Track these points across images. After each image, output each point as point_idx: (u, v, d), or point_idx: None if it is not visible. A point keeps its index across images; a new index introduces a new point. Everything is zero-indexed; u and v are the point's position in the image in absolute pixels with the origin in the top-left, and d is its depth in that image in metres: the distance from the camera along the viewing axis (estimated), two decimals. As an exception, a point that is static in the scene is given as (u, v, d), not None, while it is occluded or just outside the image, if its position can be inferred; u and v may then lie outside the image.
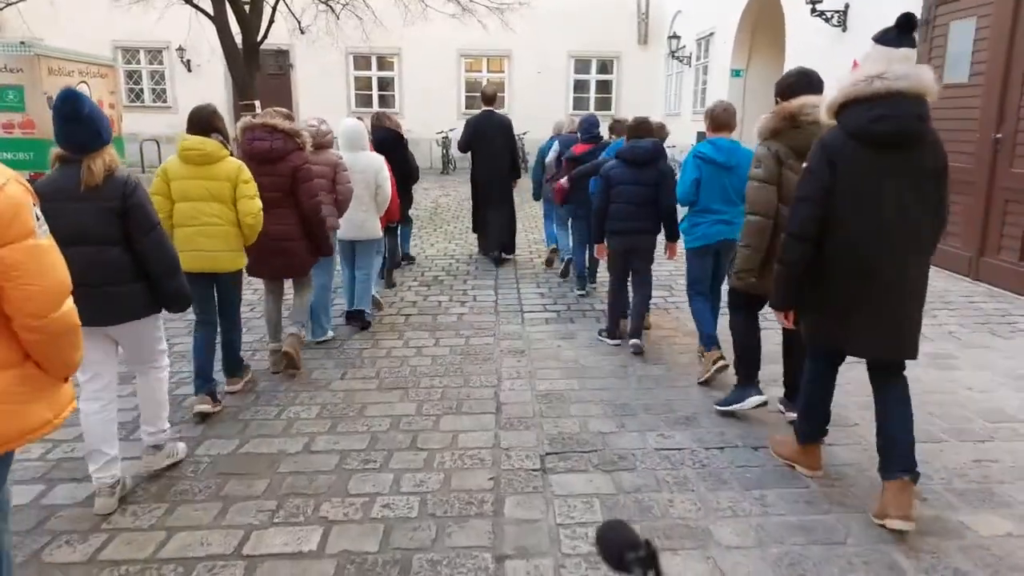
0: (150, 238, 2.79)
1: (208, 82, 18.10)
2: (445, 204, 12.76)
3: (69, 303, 1.75)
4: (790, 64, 11.33)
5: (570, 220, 6.77)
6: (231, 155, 3.69)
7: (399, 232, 7.24)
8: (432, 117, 18.46)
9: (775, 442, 3.34)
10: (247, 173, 3.69)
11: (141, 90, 18.98)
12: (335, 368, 4.63)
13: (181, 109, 18.73)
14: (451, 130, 18.21)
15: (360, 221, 5.27)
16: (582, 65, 19.55)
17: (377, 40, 18.10)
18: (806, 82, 3.26)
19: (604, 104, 19.34)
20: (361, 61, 19.29)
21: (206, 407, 3.75)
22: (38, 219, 1.66)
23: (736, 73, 13.87)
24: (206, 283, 3.75)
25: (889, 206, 2.52)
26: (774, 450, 3.30)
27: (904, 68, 2.44)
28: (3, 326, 1.66)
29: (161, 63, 18.86)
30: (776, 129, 3.24)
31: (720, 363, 4.11)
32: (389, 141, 6.50)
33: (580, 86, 19.67)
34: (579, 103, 19.33)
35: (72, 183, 2.63)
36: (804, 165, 2.69)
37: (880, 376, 2.79)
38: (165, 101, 18.99)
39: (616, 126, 6.46)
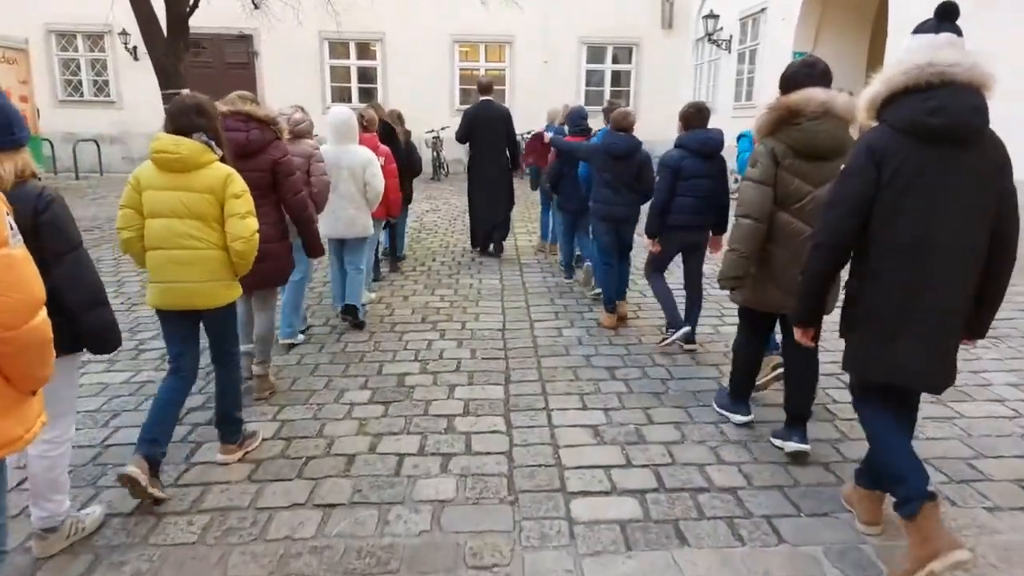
0: (65, 263, 2.20)
1: (157, 72, 14.85)
2: (432, 224, 9.55)
3: (41, 315, 1.60)
4: (891, 42, 8.27)
5: (559, 212, 6.43)
6: (221, 160, 2.83)
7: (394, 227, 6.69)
8: (421, 114, 15.04)
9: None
10: (239, 185, 2.83)
11: (80, 82, 15.71)
12: None
13: (127, 104, 15.52)
14: (443, 129, 15.03)
15: (350, 218, 4.82)
16: (595, 53, 16.33)
17: (356, 22, 14.92)
18: (806, 72, 2.88)
19: (622, 99, 16.10)
20: (338, 48, 16.05)
21: (134, 470, 2.60)
22: (12, 228, 1.54)
23: (799, 56, 10.70)
24: (184, 321, 2.90)
25: (943, 210, 2.14)
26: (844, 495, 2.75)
27: (954, 54, 2.08)
28: None
29: (103, 50, 15.58)
30: (773, 125, 2.86)
31: (778, 371, 3.57)
32: (384, 133, 5.96)
33: (593, 78, 16.45)
34: (592, 97, 16.12)
35: None
36: (841, 167, 2.29)
37: (901, 403, 2.41)
38: (108, 95, 15.71)
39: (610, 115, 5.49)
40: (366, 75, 16.32)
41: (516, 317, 5.26)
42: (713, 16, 13.16)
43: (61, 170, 14.89)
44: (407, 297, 5.82)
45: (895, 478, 2.28)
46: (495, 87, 8.00)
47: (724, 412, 3.52)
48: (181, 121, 2.78)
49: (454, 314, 5.33)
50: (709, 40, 13.58)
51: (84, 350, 2.39)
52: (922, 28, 2.23)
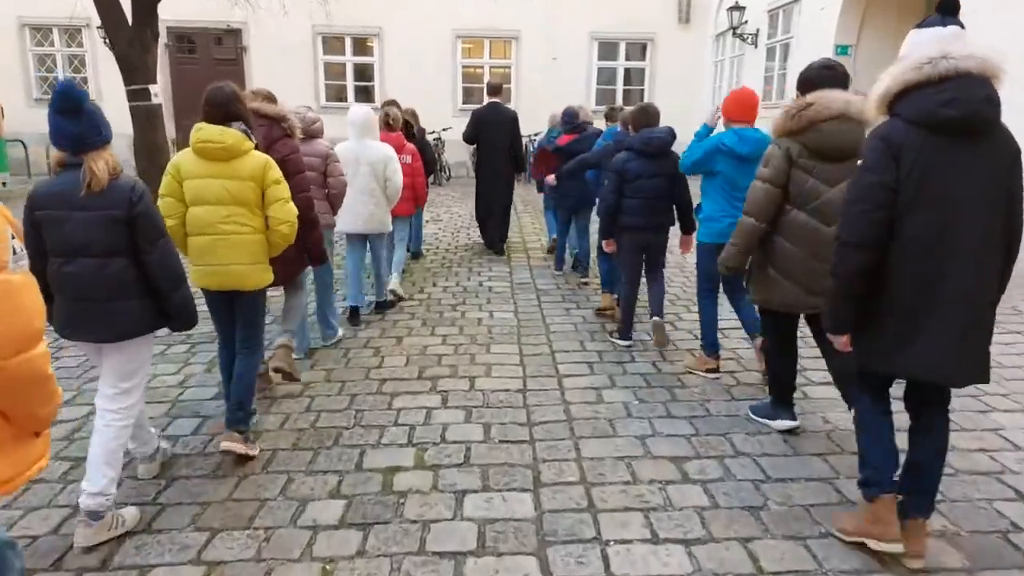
0: (157, 248, 2.45)
1: (138, 68, 13.61)
2: (432, 237, 8.33)
3: (39, 349, 1.45)
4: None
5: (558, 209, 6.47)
6: (256, 148, 2.94)
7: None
8: (421, 114, 13.86)
9: (836, 519, 2.55)
10: (277, 171, 2.96)
11: (56, 79, 14.49)
12: None
13: (107, 103, 14.05)
14: (444, 130, 13.86)
15: (369, 214, 4.76)
16: (608, 50, 15.11)
17: (351, 15, 13.78)
18: (829, 75, 2.86)
19: (635, 98, 14.91)
20: (333, 43, 14.86)
21: (236, 446, 2.88)
22: (15, 252, 1.41)
23: (842, 50, 9.55)
24: (226, 300, 3.05)
25: (960, 203, 2.08)
26: (836, 525, 2.51)
27: (967, 47, 2.05)
28: None
29: (80, 45, 14.44)
30: (789, 126, 2.84)
31: (712, 375, 3.91)
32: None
33: (604, 76, 15.24)
34: (603, 97, 14.92)
35: (73, 189, 2.30)
36: (859, 163, 2.22)
37: (924, 402, 2.32)
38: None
39: (611, 113, 6.11)
40: (363, 72, 15.12)
41: (539, 370, 4.07)
42: (738, 8, 11.96)
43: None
44: (401, 339, 4.63)
45: (869, 462, 2.37)
46: (489, 83, 7.78)
47: (765, 421, 3.30)
48: (225, 111, 2.84)
49: (460, 365, 4.13)
50: (734, 34, 12.38)
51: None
52: (927, 23, 2.21)
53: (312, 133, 4.17)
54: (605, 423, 3.37)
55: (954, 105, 2.01)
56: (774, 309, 3.11)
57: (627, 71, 15.29)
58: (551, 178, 6.09)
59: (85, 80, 14.54)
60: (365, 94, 14.92)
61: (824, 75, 2.85)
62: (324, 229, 4.05)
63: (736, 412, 3.49)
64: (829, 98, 2.77)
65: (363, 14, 14.22)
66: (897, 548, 2.28)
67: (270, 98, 3.50)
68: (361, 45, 15.03)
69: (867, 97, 2.70)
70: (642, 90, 15.16)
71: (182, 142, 15.15)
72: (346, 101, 14.64)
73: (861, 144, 2.73)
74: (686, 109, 12.92)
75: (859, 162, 2.23)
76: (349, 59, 14.93)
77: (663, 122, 4.34)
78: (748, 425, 3.34)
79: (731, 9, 12.09)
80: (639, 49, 15.23)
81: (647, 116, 4.27)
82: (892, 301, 2.19)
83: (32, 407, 1.48)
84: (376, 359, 4.24)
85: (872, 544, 2.33)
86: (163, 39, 14.49)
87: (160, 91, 8.63)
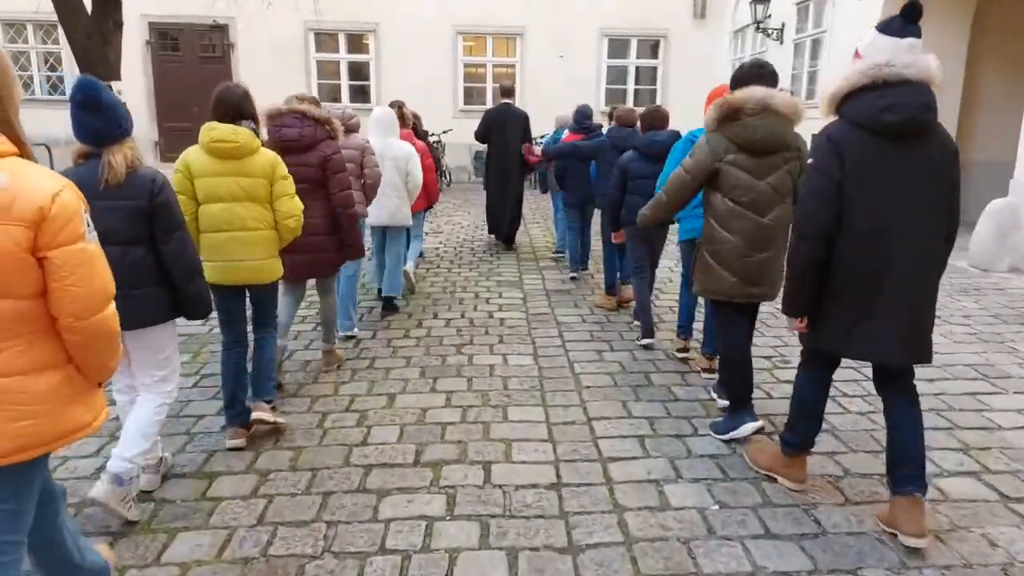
0: (175, 239, 2.49)
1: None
2: (432, 252, 7.30)
3: (111, 308, 1.65)
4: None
5: (563, 208, 6.53)
6: (263, 146, 3.05)
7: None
8: (420, 115, 12.98)
9: (753, 449, 2.91)
10: (284, 168, 3.04)
11: (30, 78, 13.49)
12: None
13: (84, 103, 13.29)
14: (445, 132, 12.84)
15: (394, 207, 4.90)
16: (618, 47, 14.11)
17: (346, 11, 12.81)
18: (758, 73, 2.99)
19: (648, 98, 13.94)
20: (326, 40, 13.84)
21: (239, 442, 3.02)
22: (88, 225, 1.60)
23: (884, 44, 8.53)
24: (238, 296, 3.10)
25: (899, 199, 2.25)
26: (750, 457, 2.88)
27: (910, 56, 2.20)
28: (51, 328, 1.58)
29: (56, 42, 13.36)
30: (718, 121, 2.95)
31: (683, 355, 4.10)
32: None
33: (615, 75, 14.23)
34: (613, 96, 13.93)
35: (94, 179, 2.32)
36: (808, 161, 2.41)
37: (890, 383, 2.47)
38: (63, 93, 13.46)
39: (615, 112, 5.69)
40: (359, 71, 14.11)
41: (575, 450, 3.04)
42: (763, 0, 10.95)
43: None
44: (393, 397, 3.61)
45: (799, 429, 2.62)
46: (502, 84, 8.04)
47: (731, 435, 3.10)
48: (238, 110, 2.92)
49: (470, 442, 3.11)
50: (757, 29, 11.37)
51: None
52: (888, 27, 2.24)
53: (350, 127, 4.37)
54: (680, 548, 2.35)
55: (894, 111, 2.15)
56: (715, 299, 3.18)
57: (638, 69, 14.29)
58: (537, 150, 6.20)
59: (61, 79, 13.53)
60: (361, 94, 13.94)
61: (753, 73, 2.98)
62: (359, 218, 4.21)
63: (859, 525, 2.47)
64: (751, 91, 2.87)
65: (358, 9, 13.24)
66: (800, 487, 2.63)
67: (315, 102, 3.70)
68: (356, 42, 14.02)
69: (792, 94, 3.03)
70: (654, 90, 14.19)
71: (165, 145, 14.23)
72: (341, 101, 13.63)
73: (787, 138, 2.93)
74: (701, 110, 11.96)
75: (809, 160, 2.36)
76: (343, 57, 13.91)
77: (676, 123, 4.37)
78: (882, 549, 2.33)
79: (754, 2, 11.07)
80: (651, 46, 14.23)
81: (653, 119, 4.39)
82: (844, 288, 2.34)
83: (104, 359, 1.65)
84: (360, 431, 3.22)
85: (783, 482, 2.69)
86: (145, 35, 13.50)
87: (124, 88, 7.61)
